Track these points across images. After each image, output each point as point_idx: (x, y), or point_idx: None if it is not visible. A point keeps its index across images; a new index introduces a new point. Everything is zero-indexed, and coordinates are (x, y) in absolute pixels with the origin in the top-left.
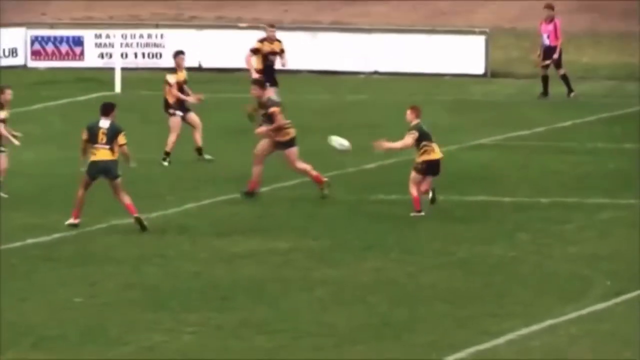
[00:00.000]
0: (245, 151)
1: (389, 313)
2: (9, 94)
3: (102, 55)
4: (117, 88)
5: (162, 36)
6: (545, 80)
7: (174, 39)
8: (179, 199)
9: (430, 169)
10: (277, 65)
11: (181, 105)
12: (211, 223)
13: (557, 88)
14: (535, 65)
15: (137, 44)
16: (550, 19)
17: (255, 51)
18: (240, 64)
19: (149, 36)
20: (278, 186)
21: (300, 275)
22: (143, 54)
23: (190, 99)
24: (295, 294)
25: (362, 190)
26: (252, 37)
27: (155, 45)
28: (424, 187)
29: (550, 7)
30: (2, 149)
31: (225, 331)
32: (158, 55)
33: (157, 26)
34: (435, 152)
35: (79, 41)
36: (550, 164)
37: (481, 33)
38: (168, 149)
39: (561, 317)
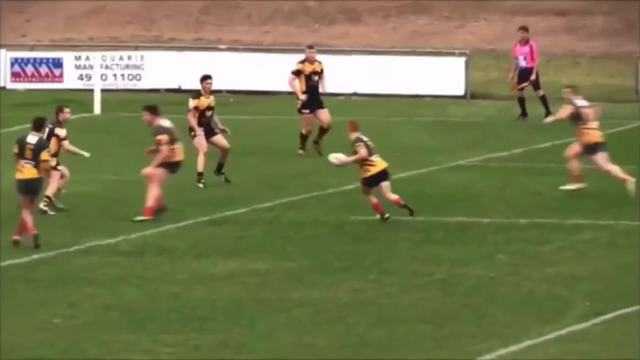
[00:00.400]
0: (227, 172)
1: (368, 334)
2: (67, 112)
3: (81, 77)
4: (97, 109)
5: (141, 58)
6: (521, 101)
7: (153, 60)
8: (157, 220)
9: (374, 181)
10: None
11: (206, 127)
12: (190, 244)
13: (535, 109)
14: (511, 88)
15: (117, 65)
16: (526, 41)
17: (297, 73)
18: (219, 85)
19: (129, 58)
20: (257, 207)
21: (279, 296)
22: (122, 76)
23: (197, 130)
24: (273, 315)
25: (342, 211)
26: (231, 59)
27: (135, 66)
28: (391, 196)
29: (525, 29)
30: (59, 167)
31: (204, 352)
32: (137, 77)
33: (136, 48)
34: (377, 166)
35: (58, 63)
36: (529, 185)
37: (461, 54)
38: (200, 169)
39: (540, 337)
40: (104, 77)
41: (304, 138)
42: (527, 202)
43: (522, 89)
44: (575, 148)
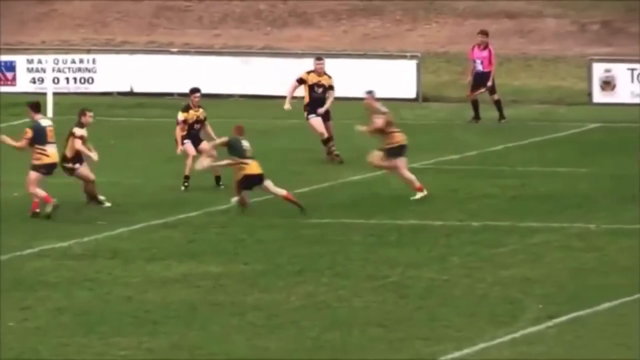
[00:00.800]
0: (177, 174)
1: (321, 337)
2: (90, 116)
3: (34, 80)
4: (50, 113)
5: (94, 61)
6: (475, 104)
7: (106, 63)
8: (110, 224)
9: (247, 184)
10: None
11: (194, 138)
12: (143, 247)
13: (489, 112)
14: (467, 96)
15: (69, 69)
16: (485, 45)
17: (300, 81)
18: (171, 88)
19: (81, 61)
20: (210, 210)
21: (233, 299)
22: (75, 79)
23: (182, 147)
24: (227, 318)
25: (295, 214)
26: (183, 62)
27: (87, 70)
28: (278, 191)
29: (484, 33)
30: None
31: (157, 355)
32: (90, 80)
33: (89, 51)
34: (250, 169)
35: (10, 66)
36: (482, 187)
37: (412, 57)
38: (186, 172)
39: (493, 340)
40: (56, 80)
41: (325, 142)
42: (479, 204)
43: (476, 95)
44: (378, 155)
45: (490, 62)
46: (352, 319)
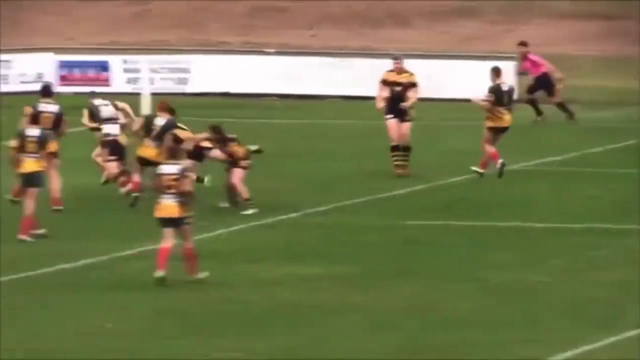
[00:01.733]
0: (270, 176)
1: (422, 339)
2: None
3: (129, 81)
4: (145, 113)
5: (189, 61)
6: (561, 105)
7: (200, 64)
8: (211, 225)
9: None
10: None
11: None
12: (242, 249)
13: (581, 113)
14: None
15: (164, 69)
16: (524, 55)
17: (382, 81)
18: (266, 89)
19: (176, 61)
20: (310, 212)
21: (334, 301)
22: (170, 80)
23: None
24: (328, 320)
25: (394, 216)
26: (279, 63)
27: (182, 70)
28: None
29: (523, 44)
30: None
31: (259, 357)
32: (184, 81)
33: (184, 51)
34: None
35: (105, 66)
36: (583, 189)
37: (509, 58)
38: None
39: (596, 343)
40: (151, 80)
41: (394, 150)
42: (581, 206)
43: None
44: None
45: (536, 67)
46: (453, 321)
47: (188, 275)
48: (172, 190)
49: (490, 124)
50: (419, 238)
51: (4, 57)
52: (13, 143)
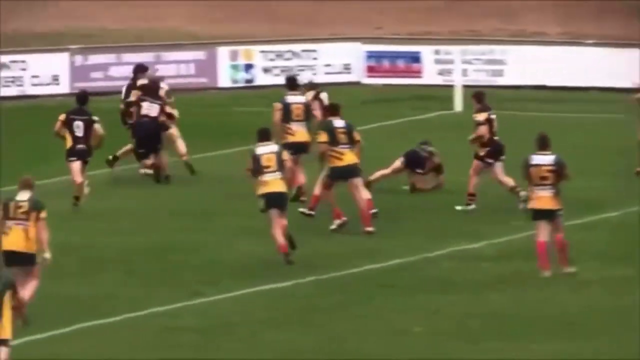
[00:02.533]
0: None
1: None
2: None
3: (441, 72)
4: (458, 107)
5: (503, 52)
6: None
7: (516, 55)
8: (525, 224)
9: None
10: None
11: None
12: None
13: None
14: None
15: (478, 60)
16: None
17: None
18: (586, 82)
19: (491, 52)
20: (629, 211)
21: None
22: (483, 71)
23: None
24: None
25: None
26: (599, 54)
27: (497, 61)
28: None
29: None
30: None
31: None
32: (499, 73)
33: (498, 42)
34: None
35: (416, 57)
36: None
37: None
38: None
39: None
40: (464, 72)
41: None
42: None
43: None
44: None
45: None
46: None
47: (561, 266)
48: (547, 182)
49: None
50: None
51: (309, 46)
52: (322, 137)
